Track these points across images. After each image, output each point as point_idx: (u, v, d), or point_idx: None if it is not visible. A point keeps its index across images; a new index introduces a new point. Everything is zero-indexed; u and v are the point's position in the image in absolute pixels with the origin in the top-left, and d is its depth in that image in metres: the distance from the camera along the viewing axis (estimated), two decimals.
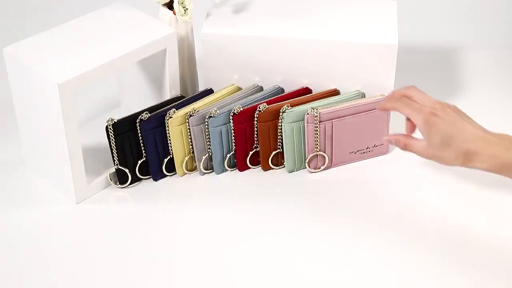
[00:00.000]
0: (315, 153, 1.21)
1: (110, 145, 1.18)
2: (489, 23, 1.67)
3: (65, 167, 1.15)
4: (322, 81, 1.27)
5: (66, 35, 1.18)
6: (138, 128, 1.18)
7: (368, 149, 1.25)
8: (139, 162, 1.21)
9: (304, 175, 1.24)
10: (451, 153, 0.97)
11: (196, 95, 1.25)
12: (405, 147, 1.03)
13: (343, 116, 1.20)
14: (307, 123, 1.19)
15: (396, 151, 1.28)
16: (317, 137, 1.20)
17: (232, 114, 1.20)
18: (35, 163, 1.23)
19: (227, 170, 1.25)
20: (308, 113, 1.18)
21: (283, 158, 1.24)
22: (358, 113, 1.21)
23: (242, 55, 1.26)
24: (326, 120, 1.19)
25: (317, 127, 1.19)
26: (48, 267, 1.07)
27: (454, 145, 0.97)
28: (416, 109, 1.00)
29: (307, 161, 1.22)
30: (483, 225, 1.12)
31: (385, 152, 1.28)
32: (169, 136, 1.20)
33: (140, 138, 1.19)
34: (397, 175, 1.24)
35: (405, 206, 1.16)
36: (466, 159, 0.97)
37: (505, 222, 1.13)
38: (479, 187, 1.20)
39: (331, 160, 1.24)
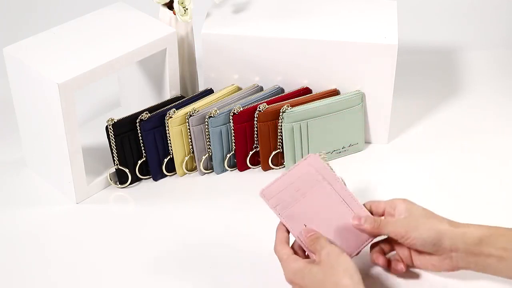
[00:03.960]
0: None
1: (110, 145, 1.18)
2: (489, 23, 1.67)
3: (65, 167, 1.15)
4: (322, 81, 1.27)
5: (66, 35, 1.18)
6: (138, 128, 1.19)
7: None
8: (139, 162, 1.21)
9: None
10: (436, 220, 0.96)
11: (196, 95, 1.25)
12: (377, 225, 0.98)
13: None
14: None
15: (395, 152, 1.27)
16: None
17: (232, 114, 1.20)
18: (35, 163, 1.23)
19: (227, 170, 1.25)
20: None
21: (283, 158, 1.24)
22: None
23: (242, 55, 1.26)
24: None
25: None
26: (48, 267, 1.06)
27: (435, 217, 0.97)
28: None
29: None
30: None
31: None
32: (169, 136, 1.20)
33: (140, 138, 1.19)
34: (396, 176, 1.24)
35: None
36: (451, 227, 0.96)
37: None
38: None
39: None
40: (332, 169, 1.02)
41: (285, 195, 1.00)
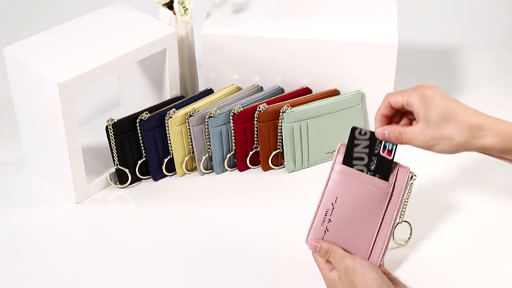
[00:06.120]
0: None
1: (110, 145, 1.18)
2: (489, 23, 1.67)
3: (65, 167, 1.15)
4: (322, 81, 1.27)
5: (66, 35, 1.18)
6: (138, 128, 1.19)
7: None
8: (139, 162, 1.21)
9: (304, 175, 1.24)
10: (453, 128, 0.89)
11: (196, 95, 1.25)
12: (400, 137, 0.93)
13: None
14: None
15: None
16: None
17: (232, 114, 1.20)
18: (35, 163, 1.23)
19: (227, 170, 1.25)
20: None
21: (283, 158, 1.24)
22: None
23: (242, 55, 1.26)
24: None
25: None
26: (48, 267, 1.06)
27: (456, 119, 0.89)
28: (408, 90, 0.92)
29: None
30: None
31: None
32: (169, 136, 1.20)
33: (140, 138, 1.19)
34: None
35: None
36: (472, 134, 0.89)
37: None
38: None
39: None
40: (408, 195, 1.00)
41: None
